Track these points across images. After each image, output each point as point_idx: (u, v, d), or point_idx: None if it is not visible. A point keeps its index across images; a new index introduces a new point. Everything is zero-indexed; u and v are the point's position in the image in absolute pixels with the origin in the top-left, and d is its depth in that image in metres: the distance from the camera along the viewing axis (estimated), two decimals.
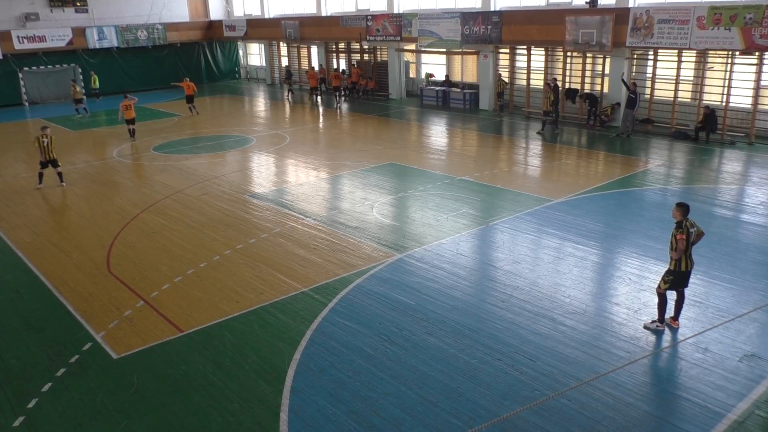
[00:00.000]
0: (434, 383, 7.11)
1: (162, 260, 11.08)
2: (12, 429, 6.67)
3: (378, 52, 31.13)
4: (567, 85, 22.93)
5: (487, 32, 23.89)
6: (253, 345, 8.12)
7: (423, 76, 29.97)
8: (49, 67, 33.35)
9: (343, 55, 33.42)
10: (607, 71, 21.84)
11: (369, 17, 28.93)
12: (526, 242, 11.33)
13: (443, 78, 28.47)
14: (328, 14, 33.18)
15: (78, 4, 34.93)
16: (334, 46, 33.57)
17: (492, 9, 24.73)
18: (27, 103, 32.54)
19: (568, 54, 22.55)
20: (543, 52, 23.50)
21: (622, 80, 20.25)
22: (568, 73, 22.92)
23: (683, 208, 7.90)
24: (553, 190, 14.31)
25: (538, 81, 23.93)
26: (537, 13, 22.82)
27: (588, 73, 22.50)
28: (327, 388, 7.11)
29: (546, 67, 23.46)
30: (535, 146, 19.41)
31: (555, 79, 21.08)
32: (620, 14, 20.02)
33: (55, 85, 33.71)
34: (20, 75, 32.32)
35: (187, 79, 28.03)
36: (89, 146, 22.02)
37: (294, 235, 12.10)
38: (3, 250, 11.99)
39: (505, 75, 25.10)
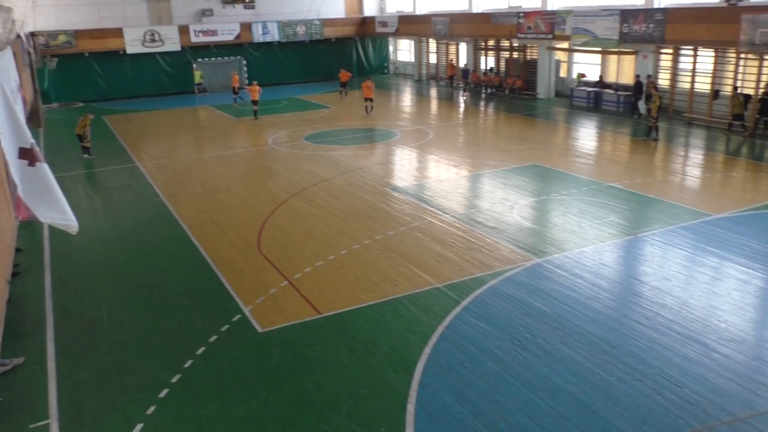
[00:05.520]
0: (566, 396, 6.86)
1: (306, 244, 11.71)
2: (170, 384, 7.43)
3: (528, 50, 30.36)
4: (738, 90, 20.88)
5: (649, 31, 22.36)
6: (386, 334, 8.34)
7: (574, 76, 28.77)
8: (218, 58, 36.45)
9: (492, 52, 33.00)
10: None
11: (521, 14, 28.28)
12: (679, 258, 10.51)
13: (596, 79, 27.14)
14: (479, 11, 32.92)
15: (246, 0, 37.82)
16: (483, 44, 33.25)
17: (655, 6, 23.11)
18: (198, 91, 35.78)
19: (742, 56, 20.48)
20: (712, 54, 21.56)
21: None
22: (740, 77, 20.84)
23: None
24: (713, 204, 13.13)
25: (703, 85, 22.02)
26: (707, 11, 20.93)
27: (765, 77, 20.29)
28: (455, 386, 7.12)
29: (714, 70, 21.51)
30: (695, 155, 17.91)
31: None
32: None
33: (222, 76, 36.77)
34: (194, 65, 35.61)
35: (255, 82, 26.91)
36: (248, 133, 23.76)
37: (431, 230, 12.22)
38: (172, 224, 13.34)
39: (666, 77, 23.37)
